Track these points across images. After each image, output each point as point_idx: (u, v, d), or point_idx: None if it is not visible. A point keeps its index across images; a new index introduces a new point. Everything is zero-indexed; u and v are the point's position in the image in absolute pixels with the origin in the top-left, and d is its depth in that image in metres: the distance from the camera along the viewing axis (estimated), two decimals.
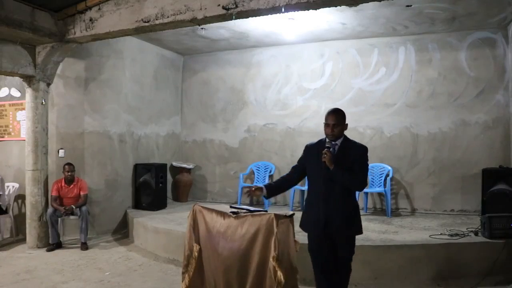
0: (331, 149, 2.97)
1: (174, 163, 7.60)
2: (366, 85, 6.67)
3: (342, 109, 7.41)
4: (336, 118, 3.05)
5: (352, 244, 3.10)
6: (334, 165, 2.91)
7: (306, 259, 3.10)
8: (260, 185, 3.02)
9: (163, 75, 7.57)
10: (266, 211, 2.60)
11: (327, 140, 3.08)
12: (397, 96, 6.49)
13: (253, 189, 2.96)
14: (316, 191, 3.06)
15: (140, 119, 7.01)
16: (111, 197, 6.40)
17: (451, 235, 4.50)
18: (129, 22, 4.77)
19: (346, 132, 3.16)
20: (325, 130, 3.09)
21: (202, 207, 2.77)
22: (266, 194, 2.99)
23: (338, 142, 3.08)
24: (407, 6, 5.13)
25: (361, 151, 3.08)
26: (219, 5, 4.19)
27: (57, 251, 5.35)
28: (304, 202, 3.19)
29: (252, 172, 7.19)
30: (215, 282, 2.62)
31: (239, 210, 2.64)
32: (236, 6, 4.11)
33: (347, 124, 3.12)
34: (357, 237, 4.53)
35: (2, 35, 4.94)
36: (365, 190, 6.19)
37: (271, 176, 7.00)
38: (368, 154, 7.18)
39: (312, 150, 3.14)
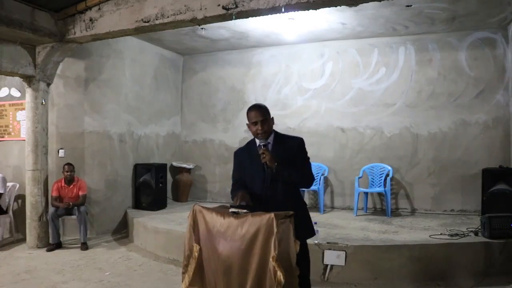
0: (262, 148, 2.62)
1: (174, 163, 7.60)
2: (366, 85, 6.67)
3: (342, 109, 7.43)
4: (262, 113, 2.67)
5: (305, 252, 2.66)
6: (277, 163, 2.55)
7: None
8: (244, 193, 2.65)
9: (163, 75, 7.57)
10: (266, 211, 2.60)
11: (257, 140, 2.72)
12: (397, 96, 6.49)
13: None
14: (256, 198, 2.69)
15: (140, 119, 7.01)
16: (111, 197, 6.40)
17: (451, 235, 4.50)
18: (129, 22, 4.77)
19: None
20: (251, 130, 2.71)
21: (202, 207, 2.76)
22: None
23: (270, 139, 2.71)
24: (407, 6, 5.13)
25: (298, 143, 2.71)
26: (219, 5, 4.19)
27: (57, 251, 5.35)
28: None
29: None
30: (215, 282, 2.62)
31: (239, 210, 2.64)
32: (236, 6, 4.11)
33: (273, 117, 2.77)
34: (357, 237, 4.58)
35: (2, 35, 4.94)
36: (365, 190, 6.22)
37: None
38: (368, 154, 7.20)
39: (243, 156, 2.82)
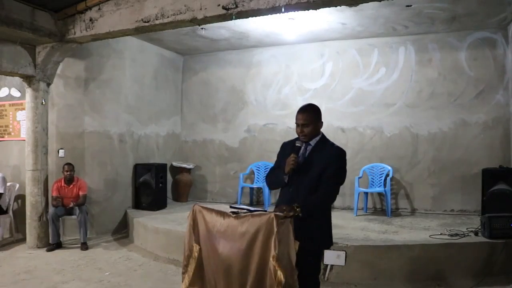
0: (302, 150, 2.68)
1: (174, 163, 7.60)
2: (366, 85, 6.67)
3: (342, 109, 7.39)
4: (306, 116, 2.68)
5: (317, 260, 2.71)
6: (301, 209, 2.46)
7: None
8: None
9: (163, 75, 7.57)
10: (265, 211, 2.60)
11: (297, 142, 2.73)
12: (397, 96, 6.49)
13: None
14: (282, 195, 2.76)
15: (140, 119, 7.00)
16: (111, 197, 6.39)
17: (451, 235, 4.50)
18: (129, 22, 4.77)
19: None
20: (296, 130, 2.75)
21: (202, 207, 2.76)
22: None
23: (313, 142, 2.71)
24: (407, 6, 5.13)
25: (335, 155, 2.65)
26: (219, 5, 4.19)
27: (57, 251, 5.35)
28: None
29: (252, 172, 7.19)
30: (215, 282, 2.62)
31: (239, 210, 2.64)
32: (236, 6, 4.11)
33: (322, 122, 2.75)
34: (357, 237, 4.58)
35: (2, 35, 4.94)
36: (365, 190, 6.22)
37: None
38: (368, 154, 7.17)
39: (287, 149, 2.79)
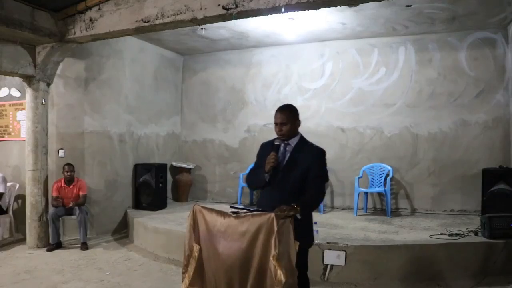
0: (281, 149, 2.73)
1: (174, 163, 7.60)
2: (366, 85, 6.67)
3: (342, 109, 7.41)
4: (284, 115, 2.72)
5: (304, 257, 2.72)
6: (300, 207, 2.49)
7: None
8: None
9: (163, 75, 7.57)
10: (266, 211, 2.60)
11: (275, 141, 2.77)
12: (397, 96, 6.49)
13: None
14: (263, 195, 2.83)
15: (140, 119, 7.00)
16: (111, 197, 6.39)
17: (451, 235, 4.50)
18: (129, 22, 4.77)
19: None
20: (274, 129, 2.80)
21: (202, 207, 2.77)
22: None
23: (292, 142, 2.75)
24: (407, 6, 5.13)
25: (317, 154, 2.71)
26: (219, 5, 4.19)
27: (57, 251, 5.35)
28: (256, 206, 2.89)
29: None
30: (215, 282, 2.62)
31: (239, 210, 2.64)
32: (236, 6, 4.11)
33: (300, 121, 2.80)
34: (357, 237, 4.59)
35: (2, 35, 4.94)
36: (365, 190, 6.22)
37: None
38: (367, 155, 7.20)
39: (267, 149, 2.80)
